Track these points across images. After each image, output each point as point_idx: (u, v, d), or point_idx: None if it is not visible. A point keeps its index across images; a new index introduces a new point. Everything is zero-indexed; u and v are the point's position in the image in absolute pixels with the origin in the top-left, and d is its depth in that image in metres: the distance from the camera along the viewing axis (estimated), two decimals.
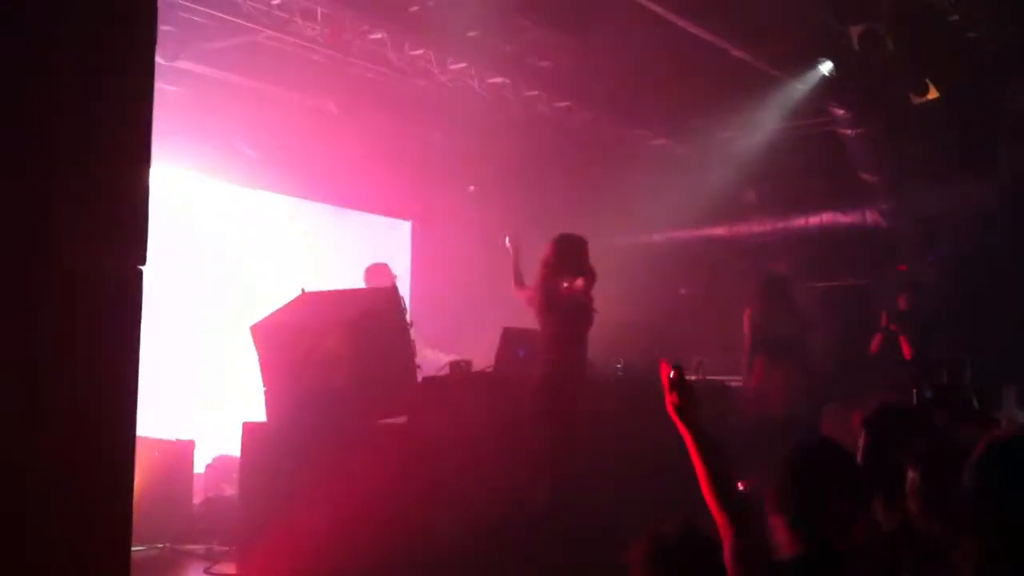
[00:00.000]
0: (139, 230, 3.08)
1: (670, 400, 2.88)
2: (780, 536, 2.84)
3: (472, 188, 12.20)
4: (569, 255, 6.67)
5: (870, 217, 11.61)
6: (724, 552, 2.70)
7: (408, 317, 6.66)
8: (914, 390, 3.21)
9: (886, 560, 3.00)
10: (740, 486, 7.95)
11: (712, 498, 2.80)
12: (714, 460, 2.83)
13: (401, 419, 6.38)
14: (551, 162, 12.63)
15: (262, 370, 6.38)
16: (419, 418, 6.33)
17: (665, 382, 2.89)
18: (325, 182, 10.61)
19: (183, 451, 7.36)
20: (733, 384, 9.27)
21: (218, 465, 8.10)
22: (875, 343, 9.52)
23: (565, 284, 6.53)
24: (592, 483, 6.62)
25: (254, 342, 6.41)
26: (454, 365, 6.80)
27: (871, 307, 10.61)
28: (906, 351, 9.21)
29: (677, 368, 2.90)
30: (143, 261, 3.06)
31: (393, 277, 7.92)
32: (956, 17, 8.88)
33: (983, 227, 10.50)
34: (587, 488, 6.58)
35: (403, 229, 12.22)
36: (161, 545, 6.68)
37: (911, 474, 2.86)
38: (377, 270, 8.20)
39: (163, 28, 8.44)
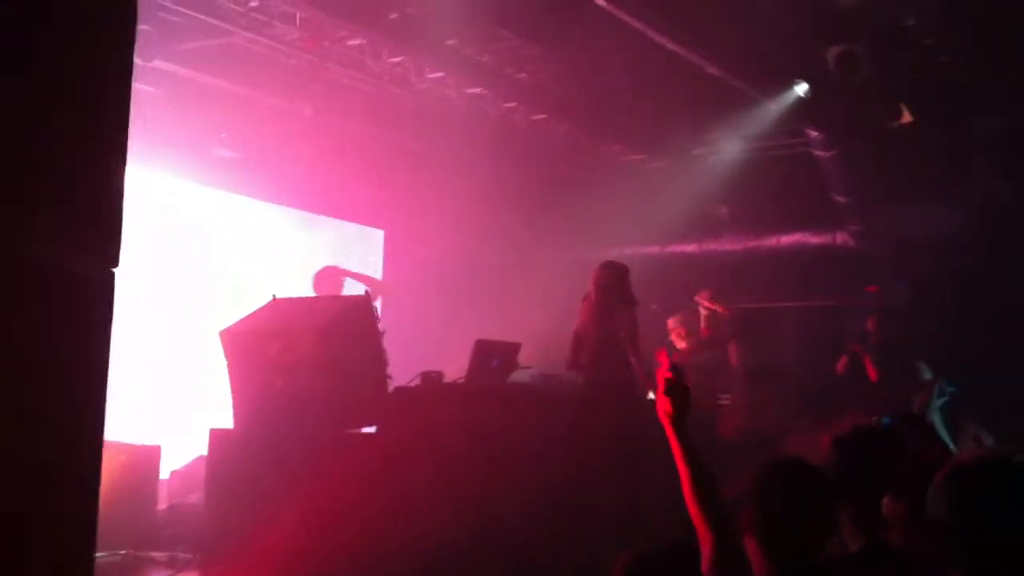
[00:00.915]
0: (112, 232, 3.04)
1: (663, 405, 2.82)
2: (752, 556, 2.83)
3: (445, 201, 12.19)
4: (615, 283, 7.21)
5: (841, 238, 11.69)
6: (702, 561, 2.68)
7: (380, 326, 6.62)
8: (877, 416, 3.22)
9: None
10: None
11: (694, 504, 2.77)
12: (699, 466, 2.80)
13: (371, 428, 6.34)
14: (526, 174, 12.64)
15: (230, 376, 6.32)
16: (390, 428, 6.30)
17: (661, 383, 2.83)
18: (299, 188, 10.57)
19: (149, 456, 7.27)
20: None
21: (185, 471, 8.01)
22: (841, 364, 9.61)
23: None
24: (566, 494, 6.61)
25: (223, 348, 6.35)
26: (425, 375, 6.78)
27: (841, 328, 10.69)
28: (871, 373, 9.29)
29: (676, 371, 2.83)
30: (116, 263, 3.02)
31: (342, 280, 7.80)
32: (930, 42, 8.98)
33: (953, 251, 10.59)
34: (561, 499, 6.57)
35: (376, 237, 12.18)
36: (124, 552, 6.59)
37: (890, 501, 2.85)
38: (326, 274, 8.03)
39: (141, 27, 8.36)
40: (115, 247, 3.07)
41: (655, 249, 13.01)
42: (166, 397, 8.96)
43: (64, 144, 2.93)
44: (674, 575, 2.43)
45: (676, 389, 2.82)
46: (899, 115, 9.23)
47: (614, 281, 7.25)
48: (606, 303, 7.10)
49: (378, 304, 7.59)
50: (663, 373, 2.84)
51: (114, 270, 3.05)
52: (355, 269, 8.49)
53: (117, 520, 6.20)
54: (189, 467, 7.87)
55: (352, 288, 7.87)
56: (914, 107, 9.22)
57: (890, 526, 2.85)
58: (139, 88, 8.78)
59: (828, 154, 10.47)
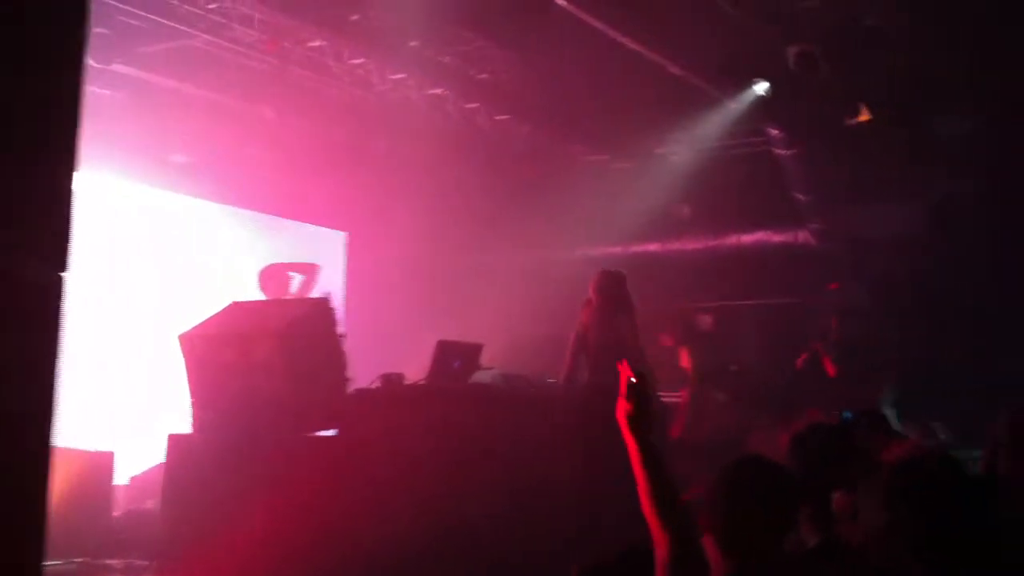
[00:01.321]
0: (62, 236, 2.99)
1: (623, 407, 2.82)
2: (711, 554, 2.83)
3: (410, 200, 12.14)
4: (615, 289, 7.62)
5: (802, 237, 11.77)
6: (656, 565, 2.67)
7: (340, 328, 6.56)
8: (836, 412, 3.24)
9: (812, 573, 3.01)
10: None
11: (652, 508, 2.77)
12: (659, 471, 2.80)
13: (332, 432, 6.29)
14: (489, 175, 12.63)
15: (189, 381, 6.24)
16: (350, 431, 6.25)
17: (623, 388, 2.84)
18: (260, 190, 10.48)
19: (102, 462, 7.18)
20: (665, 399, 9.36)
21: (142, 477, 7.91)
22: (800, 361, 9.67)
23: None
24: (529, 497, 6.59)
25: (181, 352, 6.27)
26: (386, 377, 6.73)
27: (802, 325, 10.76)
28: (829, 370, 9.35)
29: (640, 375, 2.85)
30: (65, 268, 2.97)
31: (286, 275, 7.70)
32: (889, 41, 9.07)
33: (912, 250, 10.70)
34: (524, 502, 6.55)
35: (339, 240, 12.11)
36: (79, 559, 6.49)
37: (839, 496, 2.87)
38: (270, 273, 7.87)
39: (98, 31, 8.27)
40: (64, 252, 3.02)
41: (618, 249, 13.03)
42: (125, 403, 8.85)
43: (11, 149, 2.87)
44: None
45: (638, 393, 2.83)
46: (857, 113, 9.31)
47: (615, 288, 7.69)
48: (608, 309, 7.47)
49: (340, 306, 7.53)
50: (625, 377, 2.85)
51: (64, 275, 3.00)
52: (319, 273, 8.41)
53: (71, 527, 6.11)
54: (148, 473, 7.78)
55: (297, 282, 7.77)
56: (873, 106, 9.30)
57: (839, 520, 2.86)
58: (97, 92, 8.70)
59: (788, 153, 10.55)
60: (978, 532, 2.01)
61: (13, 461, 2.82)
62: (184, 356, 6.26)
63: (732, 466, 2.96)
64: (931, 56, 9.34)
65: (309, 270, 7.81)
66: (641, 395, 2.83)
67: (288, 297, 7.59)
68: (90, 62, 8.00)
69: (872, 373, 9.25)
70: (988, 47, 8.93)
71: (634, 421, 2.82)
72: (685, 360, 10.01)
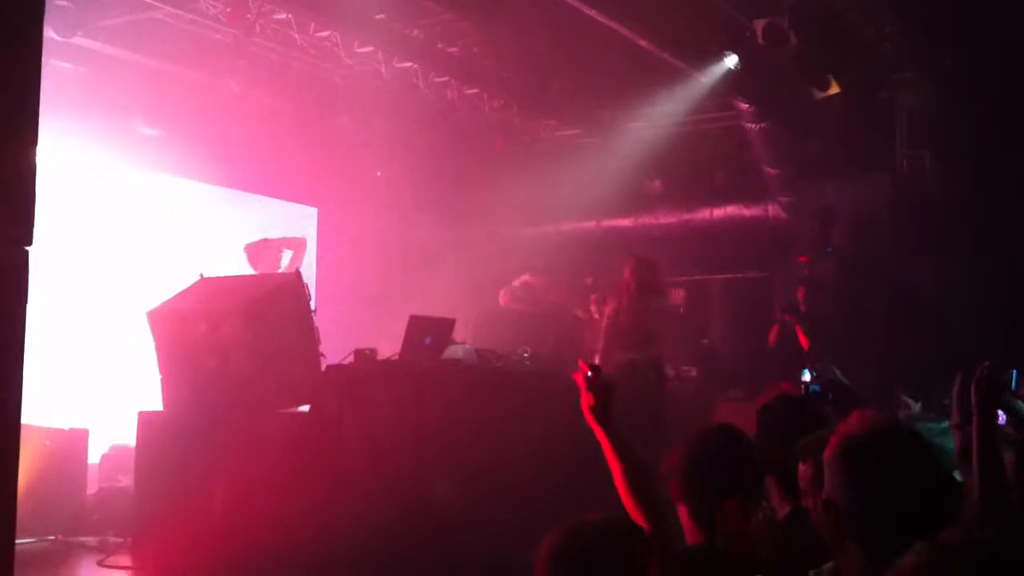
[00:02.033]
0: (25, 210, 2.95)
1: (585, 401, 2.86)
2: (685, 525, 2.85)
3: (379, 174, 12.09)
4: (651, 274, 8.22)
5: (772, 210, 11.82)
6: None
7: (312, 304, 6.53)
8: (802, 383, 3.26)
9: (782, 545, 3.04)
10: None
11: (630, 496, 2.80)
12: (629, 458, 2.83)
13: (304, 408, 6.27)
14: (460, 150, 12.59)
15: (158, 357, 6.21)
16: (322, 407, 6.24)
17: (581, 383, 2.87)
18: (228, 165, 10.38)
19: (75, 440, 7.13)
20: None
21: (114, 455, 7.87)
22: (773, 335, 9.70)
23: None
24: (500, 474, 6.61)
25: (150, 328, 6.23)
26: (359, 353, 6.72)
27: (773, 299, 10.83)
28: (803, 342, 9.40)
29: (594, 368, 2.88)
30: (29, 242, 2.93)
31: (277, 250, 7.61)
32: (856, 14, 9.09)
33: (878, 222, 10.78)
34: (495, 479, 6.57)
35: (309, 215, 12.04)
36: (52, 537, 6.46)
37: (802, 467, 2.89)
38: (260, 247, 7.75)
39: (59, 3, 8.15)
40: (27, 226, 2.98)
41: (590, 224, 13.05)
42: (95, 380, 8.78)
43: None
44: (607, 550, 2.42)
45: (596, 384, 2.86)
46: (827, 86, 9.33)
47: (648, 273, 8.26)
48: (641, 293, 8.06)
49: (311, 282, 7.47)
50: (583, 372, 2.88)
51: (28, 249, 2.97)
52: (305, 248, 8.33)
53: (45, 505, 6.09)
54: (119, 451, 7.73)
55: (288, 257, 7.70)
56: (840, 79, 9.33)
57: (804, 492, 2.89)
58: (59, 66, 8.58)
59: (757, 127, 10.57)
60: (923, 505, 2.00)
61: None
62: (153, 333, 6.22)
63: (696, 436, 2.98)
64: (898, 28, 9.38)
65: (298, 245, 7.76)
66: (599, 387, 2.86)
67: (273, 271, 7.50)
68: (51, 35, 7.90)
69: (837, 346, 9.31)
70: (952, 18, 8.98)
71: (596, 411, 2.85)
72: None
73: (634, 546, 2.45)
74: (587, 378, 2.85)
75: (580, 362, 2.91)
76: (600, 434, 2.85)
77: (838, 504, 2.03)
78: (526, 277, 10.10)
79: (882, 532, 1.97)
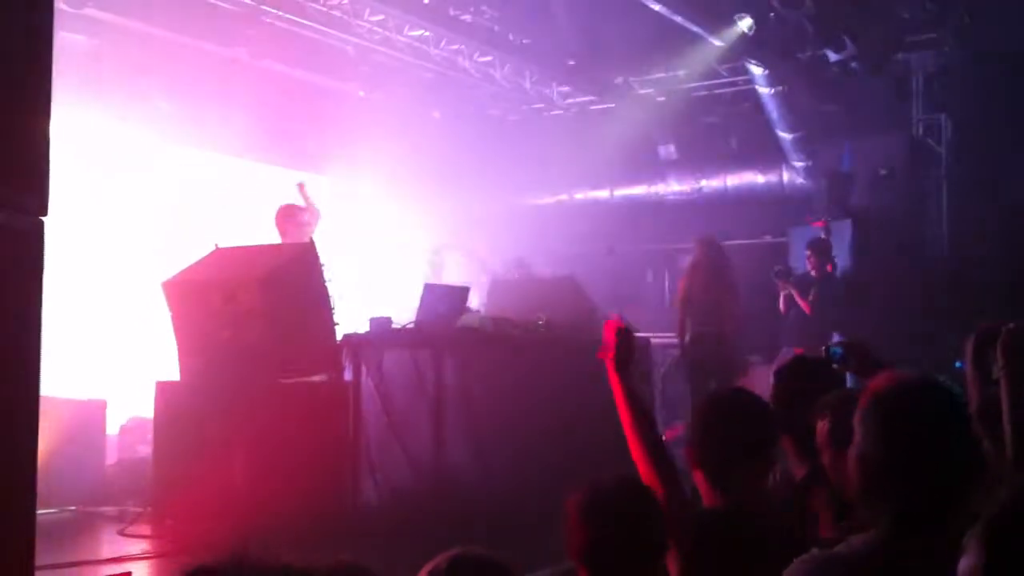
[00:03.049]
0: (39, 181, 2.95)
1: (609, 351, 2.88)
2: (701, 488, 2.86)
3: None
4: (712, 257, 8.86)
5: (788, 175, 11.76)
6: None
7: (327, 272, 6.53)
8: (824, 346, 3.23)
9: (799, 506, 3.05)
10: (665, 436, 8.11)
11: (638, 451, 2.81)
12: (642, 415, 2.84)
13: (320, 377, 6.29)
14: (473, 118, 12.54)
15: (174, 328, 6.22)
16: (339, 375, 6.26)
17: (611, 335, 2.89)
18: (240, 135, 10.35)
19: (94, 411, 7.16)
20: (654, 341, 9.39)
21: (133, 426, 7.91)
22: (782, 302, 9.64)
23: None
24: (518, 439, 6.64)
25: (166, 299, 6.25)
26: (374, 321, 6.73)
27: (788, 266, 10.78)
28: (804, 306, 9.35)
29: (627, 325, 2.91)
30: (45, 212, 2.94)
31: (301, 215, 7.52)
32: None
33: (894, 184, 10.70)
34: (512, 444, 6.60)
35: (321, 184, 12.02)
36: (73, 508, 6.51)
37: (820, 423, 2.89)
38: (285, 213, 7.68)
39: None
40: (42, 197, 2.99)
41: (604, 192, 13.02)
42: (113, 351, 8.82)
43: None
44: (636, 508, 2.44)
45: (625, 338, 2.88)
46: (842, 48, 9.24)
47: (717, 252, 8.95)
48: (709, 272, 8.71)
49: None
50: (615, 324, 2.90)
51: (43, 219, 2.97)
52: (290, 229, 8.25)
53: (65, 476, 6.13)
54: (137, 421, 7.78)
55: (313, 227, 7.62)
56: (855, 41, 9.23)
57: (820, 449, 2.89)
58: (71, 38, 8.56)
59: (772, 90, 10.49)
60: (957, 461, 2.00)
61: (2, 410, 2.82)
62: (168, 303, 6.23)
63: (712, 399, 2.99)
64: None
65: (313, 214, 7.71)
66: (626, 341, 2.88)
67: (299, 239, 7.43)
68: (62, 6, 7.88)
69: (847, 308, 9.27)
70: None
71: (618, 363, 2.87)
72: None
73: (650, 504, 2.49)
74: (617, 330, 2.88)
75: (614, 315, 2.95)
76: (616, 387, 2.87)
77: (871, 457, 2.03)
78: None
79: (915, 484, 1.97)
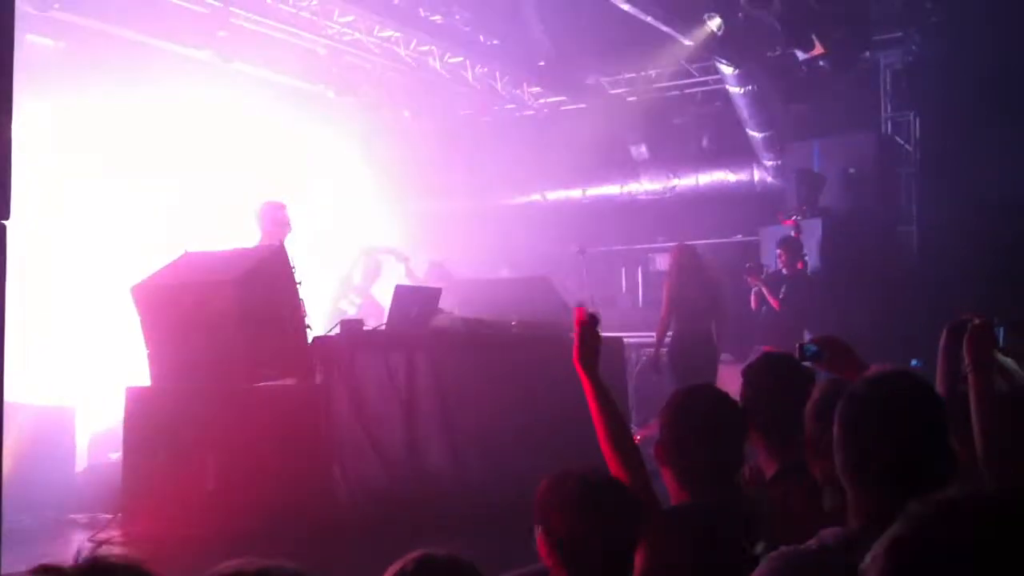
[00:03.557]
0: (1, 184, 2.92)
1: (577, 347, 2.87)
2: (670, 488, 2.86)
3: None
4: (689, 261, 9.00)
5: (759, 174, 11.82)
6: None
7: (298, 275, 6.50)
8: (797, 343, 3.22)
9: (770, 503, 3.05)
10: (636, 437, 8.13)
11: (608, 447, 2.81)
12: (611, 410, 2.84)
13: (291, 380, 6.26)
14: (443, 119, 12.53)
15: (144, 332, 6.16)
16: (311, 378, 6.23)
17: (577, 329, 2.88)
18: (211, 139, 10.28)
19: (63, 417, 7.10)
20: (627, 339, 9.43)
21: (103, 432, 7.84)
22: (753, 299, 9.70)
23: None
24: (491, 438, 6.64)
25: (135, 303, 6.19)
26: (345, 323, 6.71)
27: (760, 263, 10.83)
28: (773, 303, 9.40)
29: (591, 316, 2.90)
30: (6, 215, 2.90)
31: (285, 218, 7.44)
32: None
33: (864, 182, 10.78)
34: (485, 443, 6.60)
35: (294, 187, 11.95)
36: (43, 514, 6.44)
37: (810, 423, 2.85)
38: (272, 210, 7.58)
39: None
40: (4, 200, 2.95)
41: (577, 192, 13.04)
42: (82, 357, 8.74)
43: None
44: (612, 498, 2.45)
45: (590, 332, 2.87)
46: (811, 47, 9.29)
47: (690, 258, 9.05)
48: (687, 274, 8.84)
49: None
50: (579, 319, 2.89)
51: (4, 223, 2.93)
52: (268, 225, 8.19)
53: (34, 482, 6.06)
54: (108, 428, 7.71)
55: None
56: (824, 39, 9.29)
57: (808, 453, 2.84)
58: (35, 41, 8.48)
59: (742, 90, 10.54)
60: (935, 457, 2.01)
61: None
62: (138, 308, 6.18)
63: (679, 395, 2.99)
64: None
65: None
66: (592, 335, 2.87)
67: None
68: (27, 8, 7.80)
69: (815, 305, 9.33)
70: None
71: (584, 359, 2.86)
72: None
73: (619, 495, 2.49)
74: (582, 324, 2.87)
75: (578, 308, 2.93)
76: (586, 383, 2.86)
77: (848, 451, 2.04)
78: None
79: (890, 479, 1.97)
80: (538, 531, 2.45)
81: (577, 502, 2.43)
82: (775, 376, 3.14)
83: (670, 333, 8.85)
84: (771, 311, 9.45)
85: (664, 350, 8.83)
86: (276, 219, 7.36)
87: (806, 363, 3.11)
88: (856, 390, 2.08)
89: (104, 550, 1.30)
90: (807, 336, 6.51)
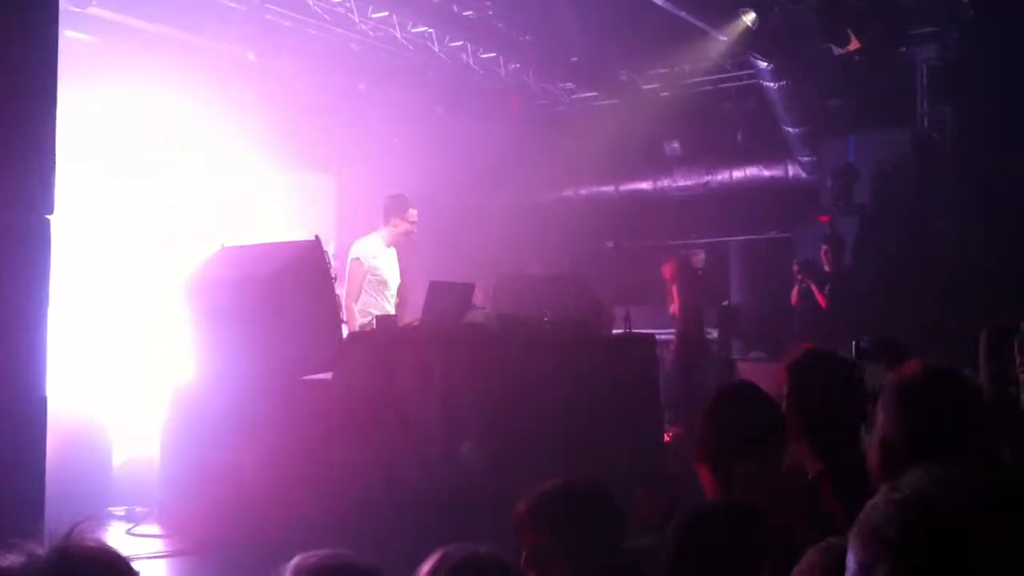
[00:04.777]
0: (45, 179, 2.95)
1: None
2: (707, 485, 2.83)
3: (396, 140, 12.02)
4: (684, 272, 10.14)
5: (792, 170, 11.73)
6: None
7: (333, 271, 6.53)
8: (853, 341, 3.17)
9: (811, 504, 3.02)
10: (666, 436, 8.07)
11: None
12: None
13: (326, 375, 6.28)
14: (477, 115, 12.52)
15: (182, 327, 6.23)
16: (345, 374, 6.25)
17: None
18: (244, 135, 10.34)
19: (102, 412, 7.17)
20: (660, 337, 9.40)
21: (141, 426, 7.91)
22: (794, 295, 9.68)
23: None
24: (525, 434, 6.62)
25: (173, 299, 6.25)
26: (380, 319, 6.73)
27: (794, 259, 10.78)
28: (820, 301, 9.36)
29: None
30: (50, 210, 2.93)
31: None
32: None
33: (899, 178, 10.68)
34: (520, 439, 6.59)
35: (327, 182, 12.02)
36: (79, 508, 6.51)
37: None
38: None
39: None
40: (48, 196, 2.98)
41: (609, 188, 13.01)
42: (121, 351, 8.82)
43: None
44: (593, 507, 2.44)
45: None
46: (846, 42, 9.21)
47: (684, 269, 10.04)
48: (680, 284, 9.69)
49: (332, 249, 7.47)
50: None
51: (49, 218, 2.96)
52: (304, 216, 8.28)
53: (72, 476, 6.12)
54: (146, 421, 7.78)
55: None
56: (860, 34, 9.20)
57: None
58: (75, 37, 8.55)
59: (777, 85, 10.46)
60: (975, 451, 2.00)
61: (10, 412, 2.81)
62: (176, 303, 6.24)
63: (715, 395, 2.96)
64: None
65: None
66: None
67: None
68: (66, 5, 7.86)
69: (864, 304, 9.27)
70: None
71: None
72: (674, 298, 10.19)
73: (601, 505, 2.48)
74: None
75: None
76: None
77: (891, 442, 2.02)
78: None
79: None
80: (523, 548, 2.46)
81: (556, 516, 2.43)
82: (823, 373, 3.09)
83: (672, 334, 9.20)
84: (807, 308, 9.41)
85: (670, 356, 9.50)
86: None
87: (860, 360, 3.07)
88: (904, 388, 2.06)
89: (76, 534, 1.30)
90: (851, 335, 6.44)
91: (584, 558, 2.41)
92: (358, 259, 7.39)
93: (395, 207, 7.57)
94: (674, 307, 10.17)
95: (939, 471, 1.12)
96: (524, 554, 2.44)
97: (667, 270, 10.31)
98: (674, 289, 10.21)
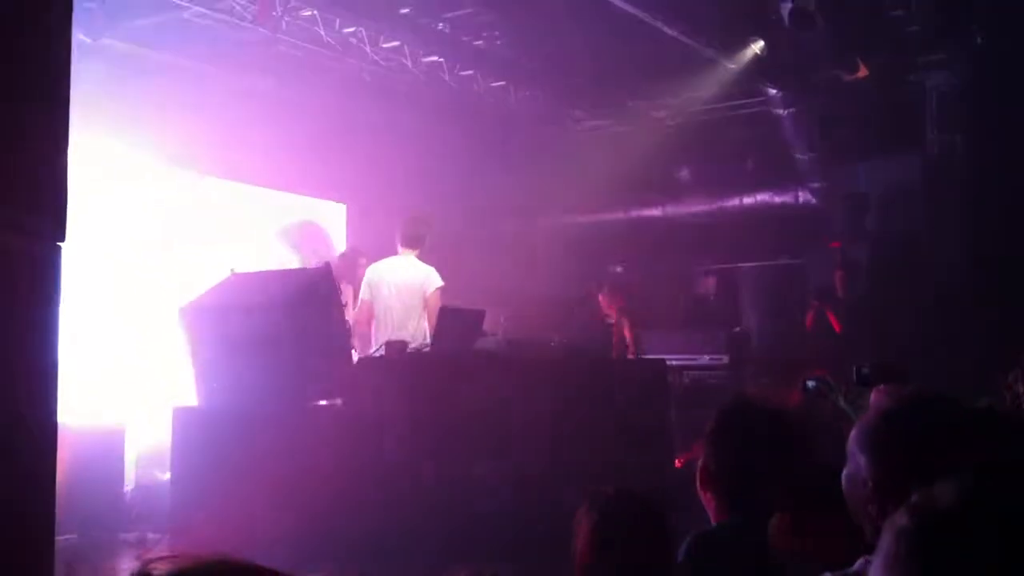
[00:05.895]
0: (57, 206, 2.99)
1: None
2: (711, 511, 2.81)
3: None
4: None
5: (803, 196, 11.75)
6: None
7: (343, 297, 6.57)
8: (853, 367, 3.16)
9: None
10: (677, 463, 8.06)
11: None
12: None
13: (337, 401, 6.31)
14: (487, 142, 12.59)
15: (192, 353, 6.27)
16: (355, 400, 6.27)
17: None
18: (257, 162, 10.42)
19: (112, 437, 7.21)
20: (671, 363, 9.40)
21: (151, 451, 7.94)
22: (809, 320, 9.69)
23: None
24: (535, 462, 6.62)
25: (183, 324, 6.29)
26: (390, 345, 6.75)
27: (804, 286, 10.78)
28: (835, 326, 9.37)
29: None
30: (63, 238, 2.97)
31: (327, 240, 7.58)
32: None
33: (909, 204, 10.69)
34: (529, 467, 6.59)
35: (338, 211, 12.08)
36: (92, 533, 6.53)
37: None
38: (309, 230, 7.70)
39: (87, 4, 8.22)
40: (61, 223, 3.02)
41: (619, 214, 13.04)
42: (131, 377, 8.87)
43: (4, 125, 2.87)
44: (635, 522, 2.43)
45: None
46: (855, 69, 9.25)
47: (622, 297, 10.11)
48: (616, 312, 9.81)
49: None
50: None
51: (61, 245, 3.00)
52: (318, 243, 8.31)
53: (83, 502, 6.16)
54: (156, 447, 7.81)
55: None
56: (868, 61, 9.25)
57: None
58: (89, 67, 8.64)
59: (786, 112, 10.50)
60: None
61: (20, 438, 2.84)
62: (186, 328, 6.28)
63: (725, 411, 2.92)
64: (924, 9, 9.29)
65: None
66: None
67: (309, 263, 7.50)
68: (81, 37, 7.96)
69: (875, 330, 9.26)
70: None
71: None
72: (627, 330, 9.88)
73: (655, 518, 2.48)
74: None
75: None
76: None
77: (857, 477, 2.01)
78: None
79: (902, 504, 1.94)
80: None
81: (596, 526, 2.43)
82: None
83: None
84: (821, 333, 9.42)
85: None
86: (314, 245, 7.49)
87: (860, 385, 3.06)
88: (870, 425, 2.02)
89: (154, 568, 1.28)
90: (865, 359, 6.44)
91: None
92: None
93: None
94: (628, 333, 9.76)
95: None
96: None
97: (606, 297, 9.97)
98: (623, 317, 9.92)
